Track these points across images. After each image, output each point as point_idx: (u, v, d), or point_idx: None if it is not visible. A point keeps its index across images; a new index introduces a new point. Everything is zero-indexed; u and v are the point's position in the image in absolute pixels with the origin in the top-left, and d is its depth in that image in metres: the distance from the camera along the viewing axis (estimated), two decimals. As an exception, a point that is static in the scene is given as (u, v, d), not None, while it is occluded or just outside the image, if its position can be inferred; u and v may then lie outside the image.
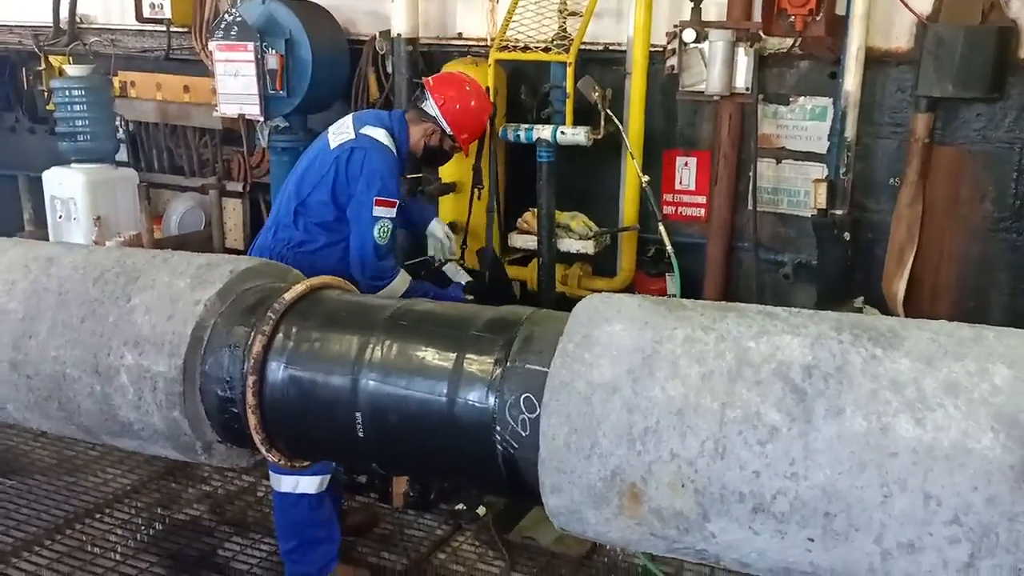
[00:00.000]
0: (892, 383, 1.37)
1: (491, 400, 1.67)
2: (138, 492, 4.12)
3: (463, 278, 3.75)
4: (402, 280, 3.27)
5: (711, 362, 1.49)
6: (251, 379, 1.85)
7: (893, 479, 1.32)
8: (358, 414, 1.78)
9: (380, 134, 3.25)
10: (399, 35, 4.67)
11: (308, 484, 3.10)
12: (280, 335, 1.90)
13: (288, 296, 1.94)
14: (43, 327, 2.03)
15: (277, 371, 1.88)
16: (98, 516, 3.92)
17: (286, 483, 3.11)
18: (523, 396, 1.63)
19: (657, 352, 1.53)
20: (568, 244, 4.24)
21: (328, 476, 3.16)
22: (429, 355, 1.76)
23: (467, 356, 1.72)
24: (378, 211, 3.12)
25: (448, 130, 3.37)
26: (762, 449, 1.40)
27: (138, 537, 3.77)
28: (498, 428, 1.65)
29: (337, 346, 1.86)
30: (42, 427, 2.24)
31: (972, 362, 1.36)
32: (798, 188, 4.29)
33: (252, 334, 1.89)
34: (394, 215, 3.18)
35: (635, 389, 1.50)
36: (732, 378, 1.46)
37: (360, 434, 1.79)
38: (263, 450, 1.91)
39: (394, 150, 3.27)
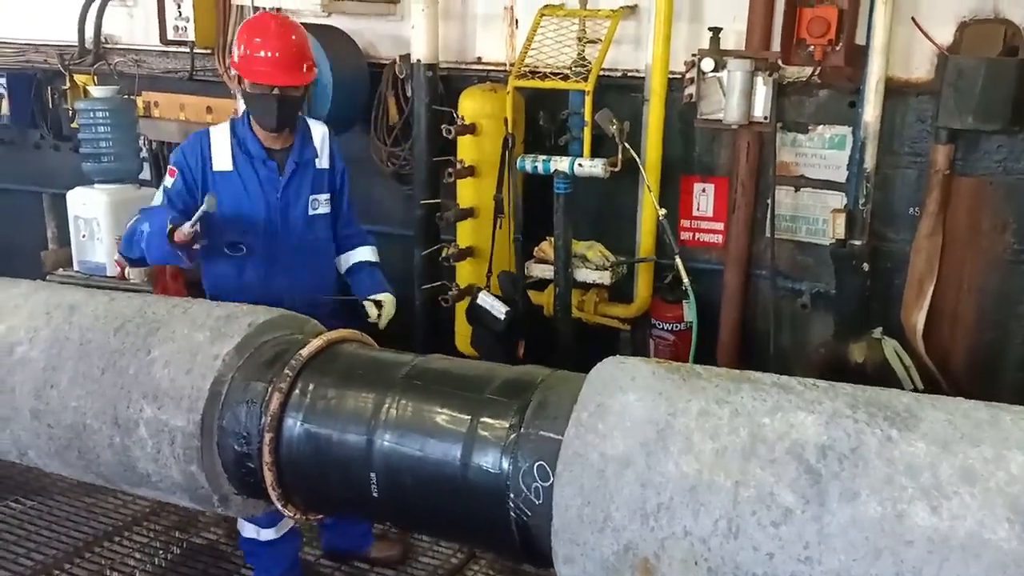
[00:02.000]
0: (908, 468, 1.36)
1: (505, 466, 1.68)
2: (156, 515, 4.15)
3: (501, 309, 3.72)
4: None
5: (725, 438, 1.49)
6: (268, 436, 1.87)
7: (908, 568, 1.31)
8: (373, 474, 1.80)
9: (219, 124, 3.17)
10: (419, 60, 4.69)
11: (267, 533, 3.21)
12: (297, 391, 1.92)
13: (305, 352, 1.96)
14: (64, 377, 2.07)
15: (293, 427, 1.90)
16: (116, 539, 3.96)
17: (248, 530, 3.22)
18: (537, 464, 1.64)
19: (671, 426, 1.53)
20: (584, 274, 4.24)
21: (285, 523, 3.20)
22: (443, 418, 1.77)
23: (481, 420, 1.73)
24: (166, 180, 3.06)
25: (234, 69, 3.09)
26: (776, 531, 1.40)
27: (156, 561, 3.80)
28: (512, 495, 1.66)
29: (353, 404, 1.88)
30: (63, 473, 2.27)
31: (989, 448, 1.35)
32: (816, 216, 4.26)
33: (269, 390, 1.91)
34: (164, 183, 3.03)
35: (648, 463, 1.51)
36: (746, 456, 1.46)
37: (375, 494, 1.81)
38: (279, 506, 1.93)
39: (214, 135, 3.06)
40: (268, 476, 1.88)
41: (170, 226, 2.77)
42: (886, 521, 1.33)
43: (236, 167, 3.00)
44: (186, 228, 2.76)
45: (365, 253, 3.33)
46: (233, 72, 3.06)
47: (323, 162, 3.17)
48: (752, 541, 1.41)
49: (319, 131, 3.18)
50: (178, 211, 2.90)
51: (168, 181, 3.01)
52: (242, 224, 2.99)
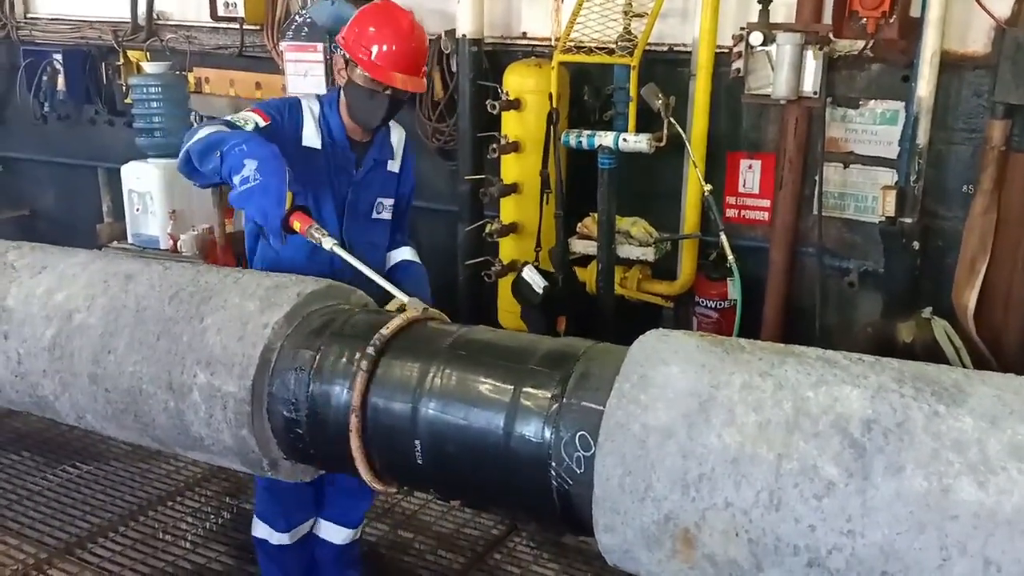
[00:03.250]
0: (955, 443, 1.35)
1: (547, 435, 1.70)
2: (208, 481, 4.27)
3: (540, 284, 3.73)
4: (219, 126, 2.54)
5: (768, 411, 1.49)
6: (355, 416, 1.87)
7: (953, 542, 1.31)
8: (417, 442, 1.83)
9: (306, 97, 2.87)
10: (464, 35, 4.69)
11: (281, 538, 3.16)
12: (344, 360, 1.96)
13: (386, 331, 1.95)
14: (121, 343, 2.13)
15: (340, 395, 1.94)
16: (170, 504, 4.09)
17: (261, 530, 3.18)
18: (579, 434, 1.65)
19: (714, 398, 1.53)
20: (628, 250, 4.23)
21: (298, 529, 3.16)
22: (487, 387, 1.79)
23: (524, 390, 1.75)
24: (254, 117, 2.63)
25: (346, 54, 2.70)
26: (818, 503, 1.40)
27: (207, 526, 3.92)
28: (553, 464, 1.68)
29: (399, 373, 1.91)
30: (119, 436, 2.35)
31: (1038, 424, 1.34)
32: (866, 194, 4.20)
33: (317, 358, 1.96)
34: (252, 118, 2.61)
35: (690, 435, 1.52)
36: (789, 429, 1.46)
37: (419, 461, 1.84)
38: (368, 478, 1.92)
39: (306, 109, 2.78)
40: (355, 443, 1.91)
41: (292, 204, 2.41)
42: (931, 495, 1.32)
43: (323, 148, 2.77)
44: (325, 243, 2.39)
45: (407, 252, 3.08)
46: (341, 54, 2.73)
47: (395, 165, 2.95)
48: (794, 513, 1.41)
49: (397, 133, 2.97)
50: None
51: (258, 120, 2.61)
52: (314, 211, 2.67)
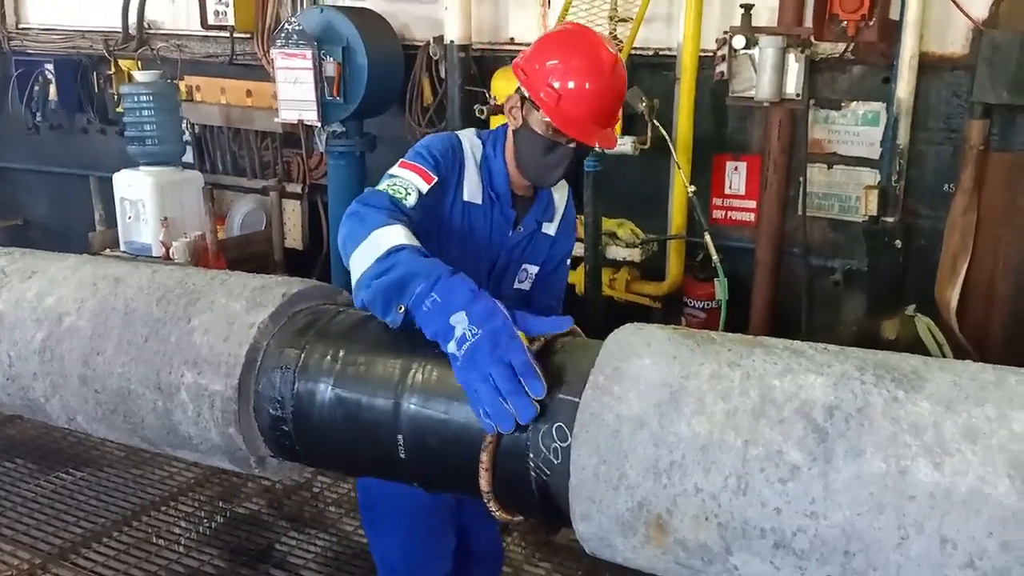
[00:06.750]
0: (912, 426, 1.39)
1: (525, 427, 1.74)
2: (201, 486, 4.31)
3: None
4: (389, 236, 1.93)
5: (736, 399, 1.53)
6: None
7: (910, 522, 1.35)
8: (400, 436, 1.87)
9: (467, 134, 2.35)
10: (452, 41, 4.76)
11: None
12: (328, 358, 2.00)
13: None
14: (110, 345, 2.16)
15: (325, 392, 1.98)
16: (163, 509, 4.12)
17: None
18: (555, 425, 1.69)
19: (684, 388, 1.57)
20: (615, 251, 4.29)
21: None
22: (467, 382, 1.83)
23: (503, 384, 1.78)
24: (395, 170, 2.14)
25: (524, 91, 2.18)
26: (783, 487, 1.44)
27: (200, 530, 3.96)
28: (531, 455, 1.72)
29: (381, 370, 1.95)
30: (109, 437, 2.38)
31: (992, 407, 1.38)
32: (849, 194, 4.27)
33: (302, 357, 2.00)
34: (414, 183, 2.10)
35: (662, 424, 1.55)
36: (756, 416, 1.50)
37: (402, 455, 1.88)
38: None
39: (468, 152, 2.29)
40: (301, 438, 1.96)
41: (533, 339, 1.76)
42: (889, 477, 1.36)
43: (483, 203, 2.29)
44: None
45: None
46: (518, 91, 2.23)
47: (552, 228, 2.43)
48: (760, 497, 1.45)
49: (564, 190, 2.47)
50: (414, 231, 1.93)
51: (420, 185, 2.10)
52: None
